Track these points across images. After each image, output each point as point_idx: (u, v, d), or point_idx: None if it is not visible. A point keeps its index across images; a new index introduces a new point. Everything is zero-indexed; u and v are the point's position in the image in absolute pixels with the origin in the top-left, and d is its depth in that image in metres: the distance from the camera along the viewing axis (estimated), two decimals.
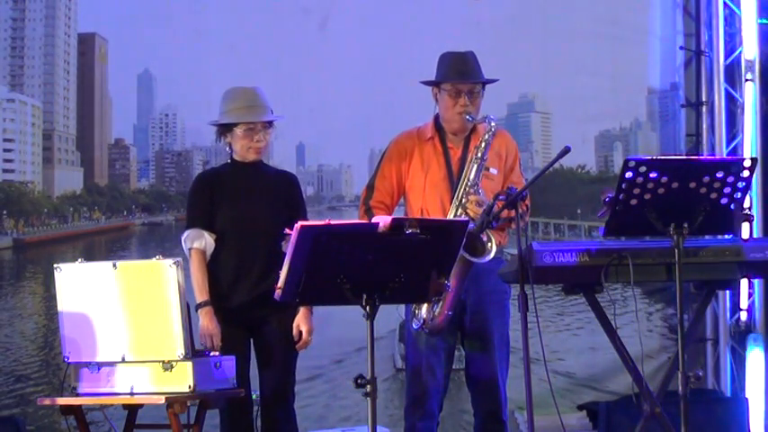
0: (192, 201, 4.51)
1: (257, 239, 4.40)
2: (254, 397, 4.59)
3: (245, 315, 4.41)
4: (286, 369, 4.50)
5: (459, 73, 4.36)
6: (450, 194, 4.34)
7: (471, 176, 4.27)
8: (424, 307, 4.20)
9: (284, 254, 3.45)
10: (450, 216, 4.24)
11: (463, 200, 4.25)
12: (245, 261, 4.41)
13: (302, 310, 4.41)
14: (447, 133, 4.46)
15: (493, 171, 4.39)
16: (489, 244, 4.14)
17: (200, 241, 4.40)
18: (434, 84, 4.43)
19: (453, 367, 4.51)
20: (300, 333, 4.42)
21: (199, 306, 4.33)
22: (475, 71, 4.38)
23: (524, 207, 4.40)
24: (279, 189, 4.50)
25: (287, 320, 4.43)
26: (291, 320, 4.43)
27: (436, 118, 4.50)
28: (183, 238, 4.47)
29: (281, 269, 3.44)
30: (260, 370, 4.52)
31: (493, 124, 4.28)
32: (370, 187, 4.50)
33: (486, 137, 4.28)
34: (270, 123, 4.46)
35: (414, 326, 4.28)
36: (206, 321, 4.31)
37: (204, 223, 4.42)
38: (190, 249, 4.42)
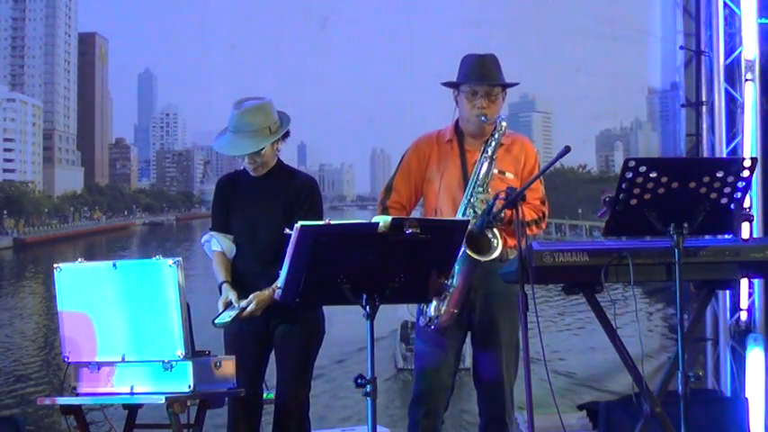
0: (212, 205, 4.71)
1: (257, 246, 4.44)
2: (269, 396, 4.60)
3: (260, 315, 4.39)
4: (295, 381, 4.46)
5: (477, 75, 4.37)
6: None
7: (481, 175, 4.26)
8: (432, 304, 4.21)
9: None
10: (459, 215, 4.23)
11: (472, 199, 4.25)
12: (250, 266, 4.45)
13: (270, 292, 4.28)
14: (466, 136, 4.47)
15: (509, 175, 4.39)
16: (495, 241, 4.13)
17: (214, 244, 4.53)
18: (454, 85, 4.44)
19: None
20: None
21: (219, 288, 4.45)
22: (493, 73, 4.39)
23: (541, 212, 4.41)
24: (285, 196, 4.48)
25: (301, 330, 4.44)
26: (307, 329, 4.45)
27: (457, 121, 4.51)
28: (202, 242, 4.66)
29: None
30: (276, 376, 4.53)
31: (504, 123, 4.28)
32: (389, 188, 4.52)
33: (496, 135, 4.28)
34: (258, 151, 4.41)
35: (420, 322, 4.30)
36: (224, 293, 4.39)
37: (218, 226, 4.57)
38: (213, 252, 4.57)
